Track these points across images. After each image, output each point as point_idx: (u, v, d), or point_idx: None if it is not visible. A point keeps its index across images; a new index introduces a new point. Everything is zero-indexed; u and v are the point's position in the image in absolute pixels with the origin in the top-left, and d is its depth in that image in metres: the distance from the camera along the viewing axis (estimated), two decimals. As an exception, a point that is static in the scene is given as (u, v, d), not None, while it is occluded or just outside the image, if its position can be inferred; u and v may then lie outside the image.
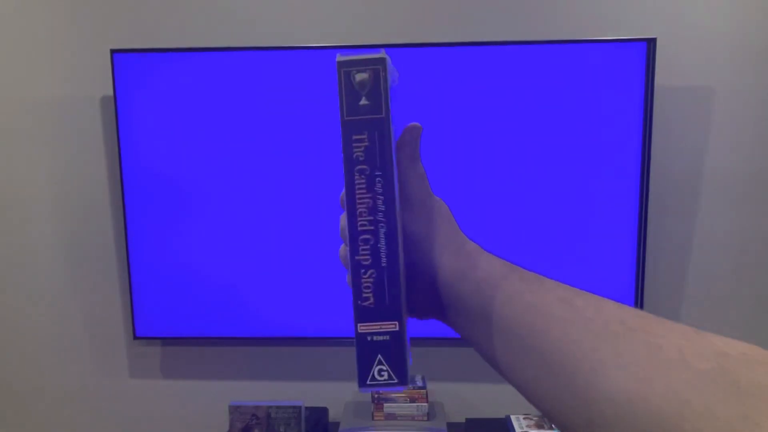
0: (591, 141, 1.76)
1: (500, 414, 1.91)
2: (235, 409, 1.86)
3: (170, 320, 1.90)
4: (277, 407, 1.85)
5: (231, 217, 1.84)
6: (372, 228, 0.39)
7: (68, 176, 1.96)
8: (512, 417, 1.87)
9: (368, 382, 0.39)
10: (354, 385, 2.01)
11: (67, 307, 2.02)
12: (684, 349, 0.28)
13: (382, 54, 0.39)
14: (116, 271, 1.99)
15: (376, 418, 1.82)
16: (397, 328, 0.39)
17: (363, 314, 0.39)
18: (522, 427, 1.81)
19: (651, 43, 1.70)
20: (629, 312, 0.33)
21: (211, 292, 1.88)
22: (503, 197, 1.79)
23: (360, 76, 0.39)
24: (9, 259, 2.01)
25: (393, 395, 1.83)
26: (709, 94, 1.83)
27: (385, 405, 1.82)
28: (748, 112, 1.83)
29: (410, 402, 1.83)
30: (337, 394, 2.00)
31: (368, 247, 0.39)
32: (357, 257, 0.39)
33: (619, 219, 1.78)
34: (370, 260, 0.39)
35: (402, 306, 0.39)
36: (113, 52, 1.77)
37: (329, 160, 1.78)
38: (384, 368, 0.39)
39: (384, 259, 0.39)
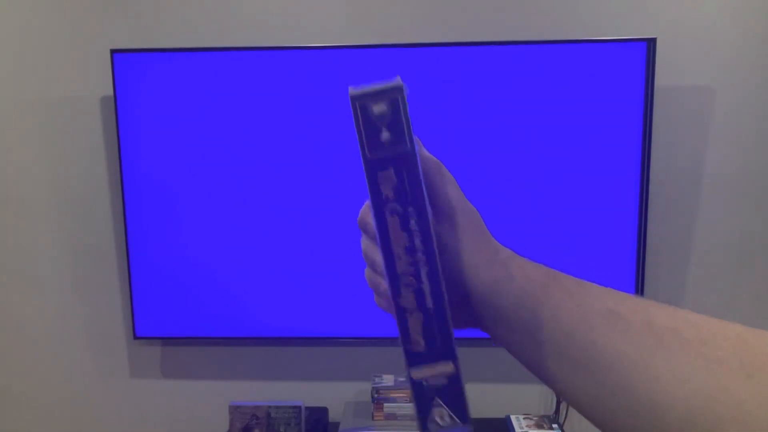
0: (591, 141, 1.76)
1: (500, 414, 1.91)
2: (235, 409, 1.86)
3: (170, 320, 1.90)
4: (277, 407, 1.85)
5: (231, 217, 1.84)
6: (413, 269, 0.36)
7: (68, 176, 1.96)
8: (512, 417, 1.87)
9: (428, 426, 0.37)
10: (354, 385, 2.02)
11: (67, 308, 2.02)
12: (744, 360, 0.27)
13: (397, 81, 0.35)
14: (116, 271, 1.99)
15: (376, 418, 1.82)
16: (453, 369, 0.36)
17: (414, 359, 0.36)
18: (522, 427, 1.81)
19: (651, 43, 1.70)
20: (681, 319, 0.31)
21: (211, 292, 1.88)
22: (504, 197, 1.79)
23: (378, 108, 0.35)
24: (9, 259, 2.01)
25: (393, 395, 1.83)
26: (709, 94, 1.83)
27: (385, 405, 1.82)
28: (748, 112, 1.83)
29: (410, 402, 1.82)
30: (337, 394, 2.00)
31: (411, 289, 0.36)
32: (400, 301, 0.36)
33: (619, 219, 1.78)
34: (415, 303, 0.36)
35: (454, 343, 0.36)
36: (113, 52, 1.77)
37: (329, 160, 1.78)
38: (444, 410, 0.36)
39: (430, 300, 0.36)
